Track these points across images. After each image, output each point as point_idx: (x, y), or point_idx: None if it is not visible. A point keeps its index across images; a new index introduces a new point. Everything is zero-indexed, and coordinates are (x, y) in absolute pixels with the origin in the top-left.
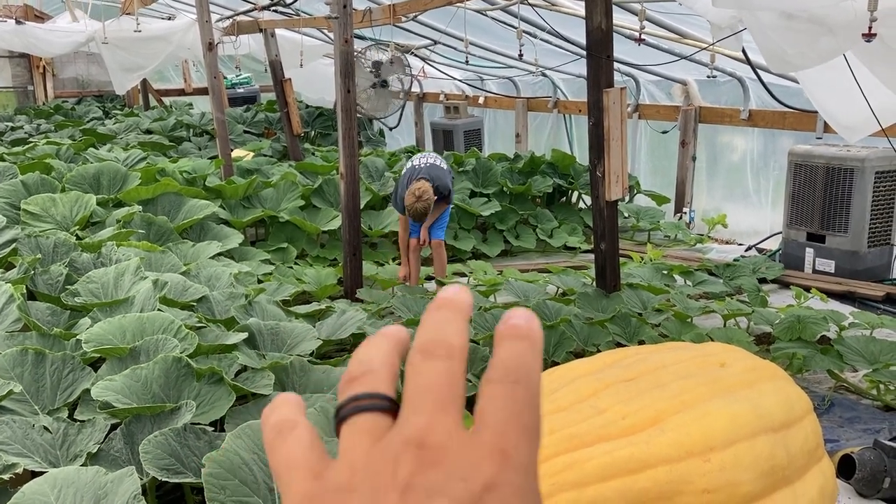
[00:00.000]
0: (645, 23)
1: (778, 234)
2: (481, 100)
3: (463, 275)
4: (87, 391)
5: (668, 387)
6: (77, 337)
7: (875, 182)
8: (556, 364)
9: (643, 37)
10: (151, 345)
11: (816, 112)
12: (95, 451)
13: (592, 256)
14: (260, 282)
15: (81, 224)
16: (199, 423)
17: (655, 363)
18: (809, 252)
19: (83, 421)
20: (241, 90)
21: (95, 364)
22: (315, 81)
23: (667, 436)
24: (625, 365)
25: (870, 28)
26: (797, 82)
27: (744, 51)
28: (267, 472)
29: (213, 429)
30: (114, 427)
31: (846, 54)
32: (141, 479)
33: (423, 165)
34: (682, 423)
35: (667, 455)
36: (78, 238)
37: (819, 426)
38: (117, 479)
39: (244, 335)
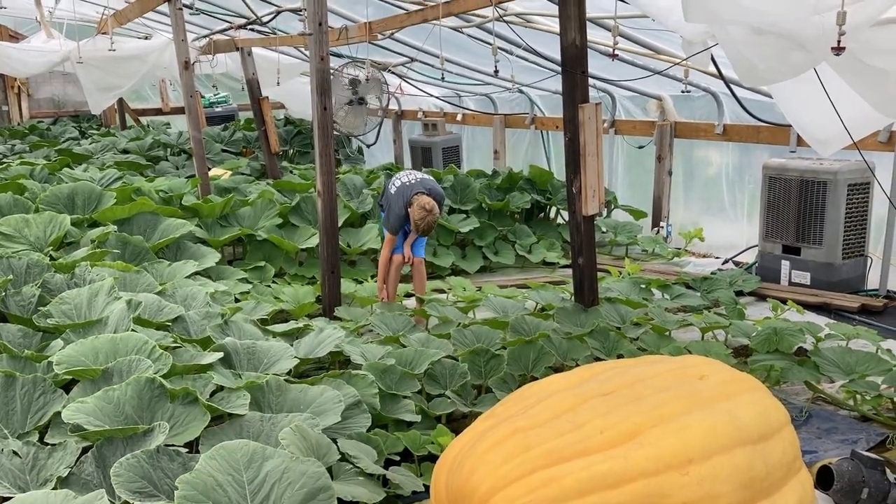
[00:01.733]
0: (619, 39)
1: (754, 247)
2: (459, 117)
3: (442, 291)
4: (59, 414)
5: (646, 400)
6: (49, 359)
7: (848, 194)
8: (535, 379)
9: (617, 52)
10: (125, 366)
11: (790, 126)
12: (66, 474)
13: (571, 271)
14: (237, 301)
15: (55, 245)
16: (172, 445)
17: (633, 376)
18: (785, 264)
19: (54, 444)
20: (219, 109)
21: (68, 386)
22: (299, 95)
23: (645, 449)
24: (602, 379)
25: (838, 42)
26: (770, 97)
27: (717, 66)
28: (241, 493)
29: (187, 450)
30: (85, 450)
31: (817, 68)
32: (112, 502)
33: (414, 181)
34: (660, 437)
35: (645, 469)
36: (51, 259)
37: (797, 438)
38: (86, 503)
39: (219, 355)
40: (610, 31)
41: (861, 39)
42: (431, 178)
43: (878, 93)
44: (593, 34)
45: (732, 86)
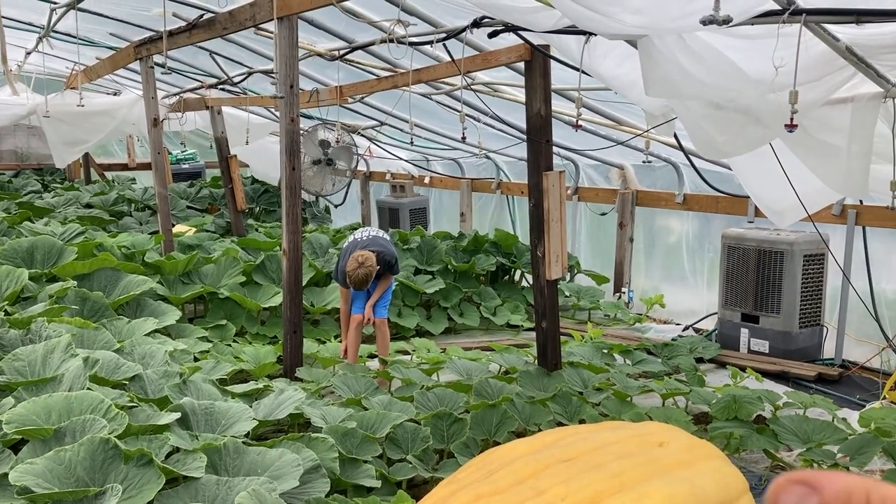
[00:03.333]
0: (583, 110)
1: (714, 314)
2: (427, 179)
3: (406, 352)
4: (6, 476)
5: (607, 467)
6: None
7: (804, 265)
8: (498, 444)
9: (581, 123)
10: (78, 425)
11: (748, 197)
12: None
13: (535, 334)
14: (196, 360)
15: (11, 299)
16: None
17: (595, 443)
18: (744, 332)
19: None
20: (186, 166)
21: (18, 446)
22: (263, 156)
23: None
24: (564, 444)
25: (791, 119)
26: (729, 168)
27: (677, 138)
28: None
29: None
30: None
31: (773, 143)
32: None
33: (364, 238)
34: None
35: None
36: (7, 314)
37: None
38: None
39: (177, 415)
40: (574, 102)
41: (813, 117)
42: (386, 237)
43: (828, 168)
44: (558, 104)
45: (692, 157)
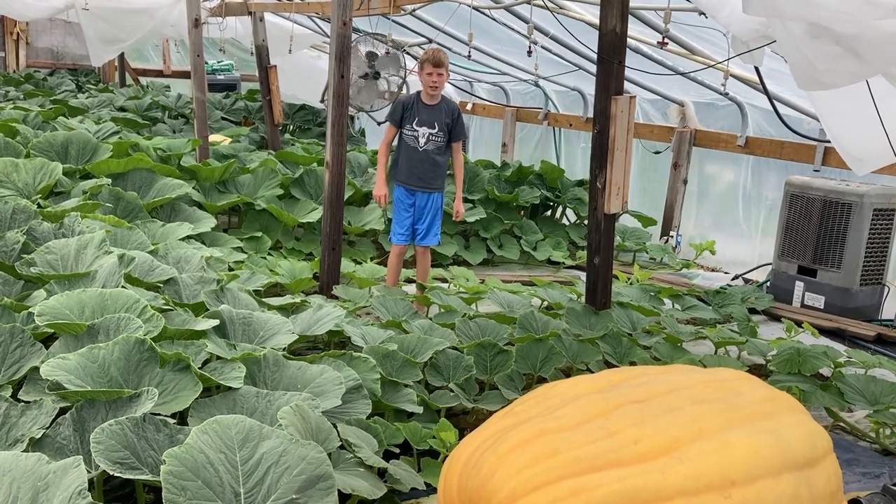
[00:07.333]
0: (654, 33)
1: (766, 265)
2: (469, 106)
3: (444, 280)
4: (36, 369)
5: (683, 411)
6: (29, 310)
7: (873, 219)
8: (543, 380)
9: (649, 49)
10: (112, 323)
11: (815, 144)
12: (40, 436)
13: (576, 273)
14: (231, 269)
15: (44, 193)
16: (159, 414)
17: (667, 385)
18: (799, 285)
19: (28, 402)
20: (221, 77)
21: (48, 341)
22: (292, 76)
23: (684, 466)
24: (633, 385)
25: None
26: (800, 112)
27: (759, 73)
28: (234, 474)
29: (174, 421)
30: (63, 411)
31: (870, 84)
32: (89, 471)
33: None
34: (700, 453)
35: (684, 487)
36: (40, 206)
37: (839, 467)
38: (61, 469)
39: (215, 322)
40: (648, 24)
41: None
42: None
43: None
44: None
45: (770, 96)
